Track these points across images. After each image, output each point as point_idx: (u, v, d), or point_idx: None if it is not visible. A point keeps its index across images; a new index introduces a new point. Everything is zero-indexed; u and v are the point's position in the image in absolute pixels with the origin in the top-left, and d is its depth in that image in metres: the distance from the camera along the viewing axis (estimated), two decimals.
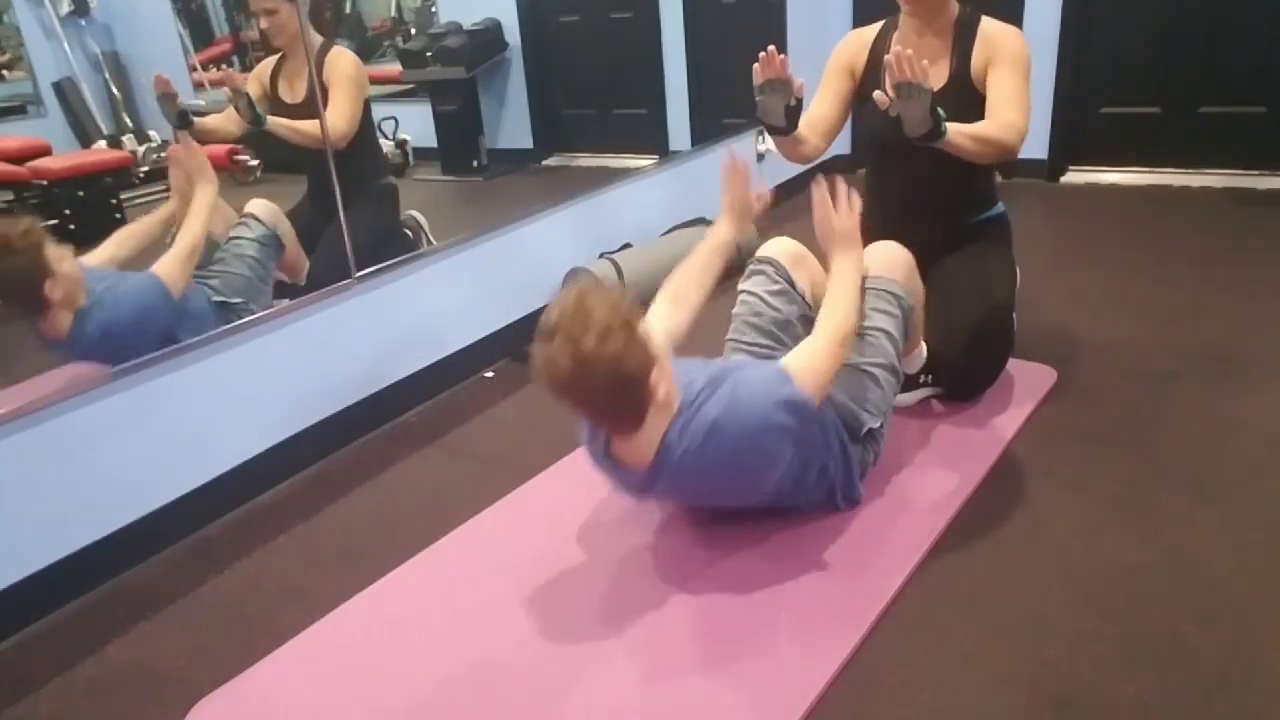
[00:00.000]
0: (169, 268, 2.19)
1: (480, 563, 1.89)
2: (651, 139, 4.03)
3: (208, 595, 1.90)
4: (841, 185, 1.92)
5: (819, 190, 1.91)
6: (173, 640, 1.77)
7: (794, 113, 2.00)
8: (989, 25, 2.18)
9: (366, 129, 2.83)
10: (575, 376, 1.46)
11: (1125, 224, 3.73)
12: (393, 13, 4.31)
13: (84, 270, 2.08)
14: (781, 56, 1.92)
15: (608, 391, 1.50)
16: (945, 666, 1.49)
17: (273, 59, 2.78)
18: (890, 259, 2.03)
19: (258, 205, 2.55)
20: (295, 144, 2.63)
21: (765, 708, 1.43)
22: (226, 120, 2.65)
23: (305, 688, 1.58)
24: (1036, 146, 4.34)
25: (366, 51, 4.19)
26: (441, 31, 4.05)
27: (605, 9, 4.08)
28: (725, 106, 4.17)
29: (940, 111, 1.88)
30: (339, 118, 2.65)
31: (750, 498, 1.82)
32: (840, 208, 1.93)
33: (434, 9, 4.21)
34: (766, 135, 2.10)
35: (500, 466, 2.27)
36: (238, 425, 2.23)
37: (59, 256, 1.99)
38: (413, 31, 4.24)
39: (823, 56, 2.39)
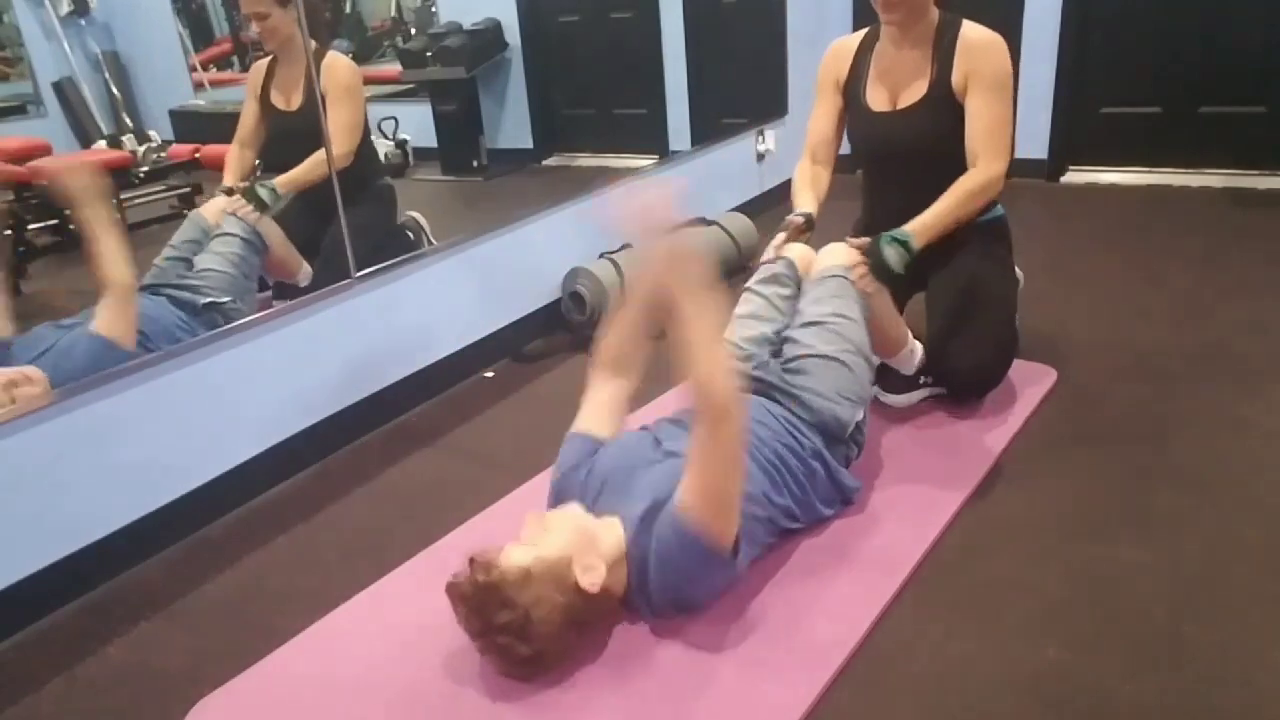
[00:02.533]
0: (108, 321, 2.04)
1: None
2: (651, 139, 4.03)
3: (208, 595, 1.90)
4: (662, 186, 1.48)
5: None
6: (173, 640, 1.77)
7: (811, 223, 2.18)
8: (969, 33, 2.13)
9: (363, 131, 2.82)
10: (504, 656, 1.47)
11: (1125, 224, 3.73)
12: (393, 13, 4.31)
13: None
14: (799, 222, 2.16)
15: (526, 665, 1.48)
16: (945, 666, 1.49)
17: (264, 63, 2.75)
18: (836, 250, 2.05)
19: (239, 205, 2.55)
20: (314, 180, 2.61)
21: (766, 707, 1.43)
22: (244, 125, 2.69)
23: (305, 688, 1.58)
24: (1036, 146, 4.34)
25: (367, 51, 4.19)
26: (441, 31, 4.05)
27: (605, 9, 4.08)
28: (725, 106, 4.17)
29: (898, 252, 1.99)
30: (345, 132, 2.63)
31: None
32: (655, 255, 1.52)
33: (434, 9, 4.21)
34: (767, 135, 2.11)
35: (500, 466, 2.27)
36: (238, 425, 2.23)
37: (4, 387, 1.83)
38: (413, 31, 4.24)
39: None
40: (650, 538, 1.52)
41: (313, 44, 2.67)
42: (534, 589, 1.41)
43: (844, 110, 2.35)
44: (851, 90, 2.29)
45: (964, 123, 2.11)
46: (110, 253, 2.04)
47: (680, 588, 1.55)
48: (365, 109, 2.78)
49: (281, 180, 2.62)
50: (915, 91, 2.16)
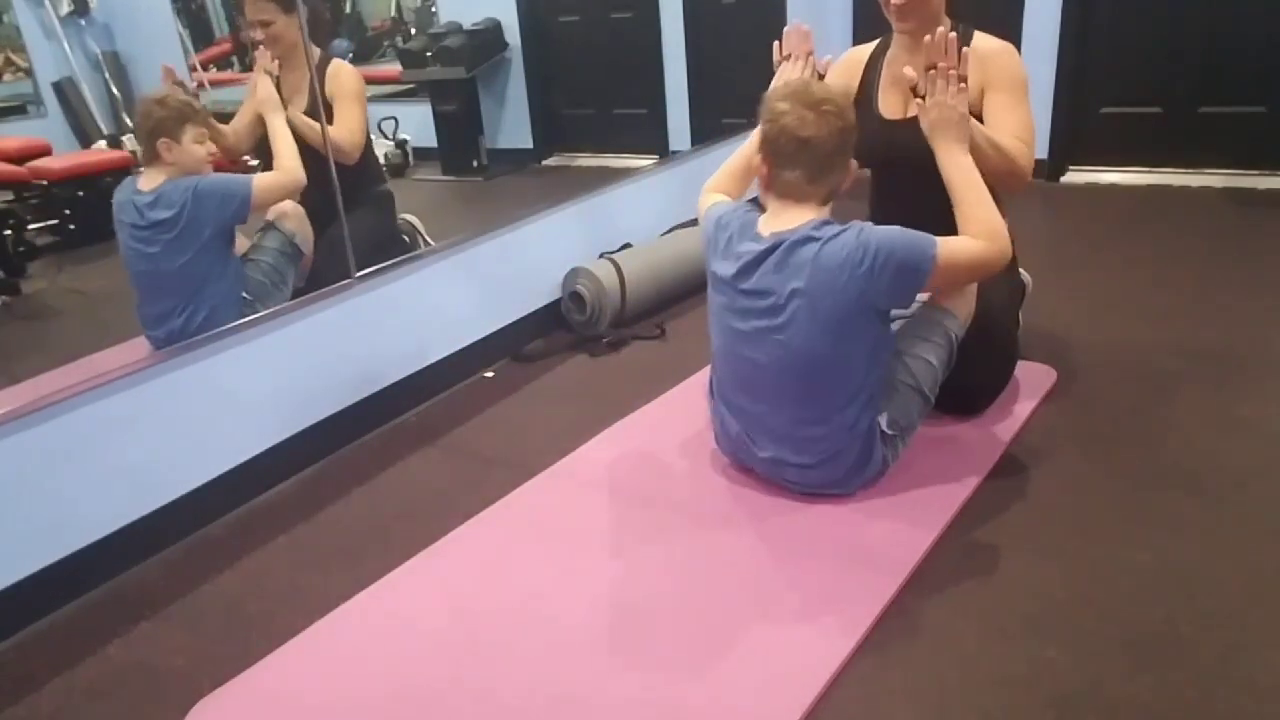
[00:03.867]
0: (264, 182, 2.38)
1: (480, 563, 1.89)
2: (651, 139, 4.03)
3: (208, 595, 1.90)
4: (943, 64, 1.85)
5: (930, 69, 1.90)
6: (173, 640, 1.77)
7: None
8: (982, 43, 2.12)
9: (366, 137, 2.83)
10: (836, 128, 1.75)
11: (1125, 224, 3.73)
12: (393, 13, 4.31)
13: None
14: (806, 29, 1.95)
15: (830, 150, 1.76)
16: (945, 666, 1.49)
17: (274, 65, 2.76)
18: (963, 301, 2.01)
19: (283, 211, 2.55)
20: (307, 142, 2.62)
21: (766, 707, 1.43)
22: (241, 118, 2.65)
23: (305, 688, 1.58)
24: (1037, 146, 4.31)
25: (367, 51, 4.19)
26: (441, 31, 4.05)
27: (605, 9, 4.08)
28: (725, 106, 4.17)
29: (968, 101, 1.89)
30: (351, 133, 2.67)
31: (814, 345, 1.79)
32: (944, 88, 1.87)
33: (434, 9, 4.21)
34: None
35: (500, 466, 2.27)
36: (238, 425, 2.23)
37: (196, 137, 2.27)
38: (413, 31, 4.24)
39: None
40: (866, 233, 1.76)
41: (315, 51, 2.68)
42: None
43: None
44: (864, 99, 2.27)
45: None
46: (279, 149, 2.47)
47: (878, 243, 1.74)
48: (367, 115, 2.79)
49: (293, 111, 2.62)
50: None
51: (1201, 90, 4.09)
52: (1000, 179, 2.03)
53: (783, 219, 1.82)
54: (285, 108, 2.66)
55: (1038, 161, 4.29)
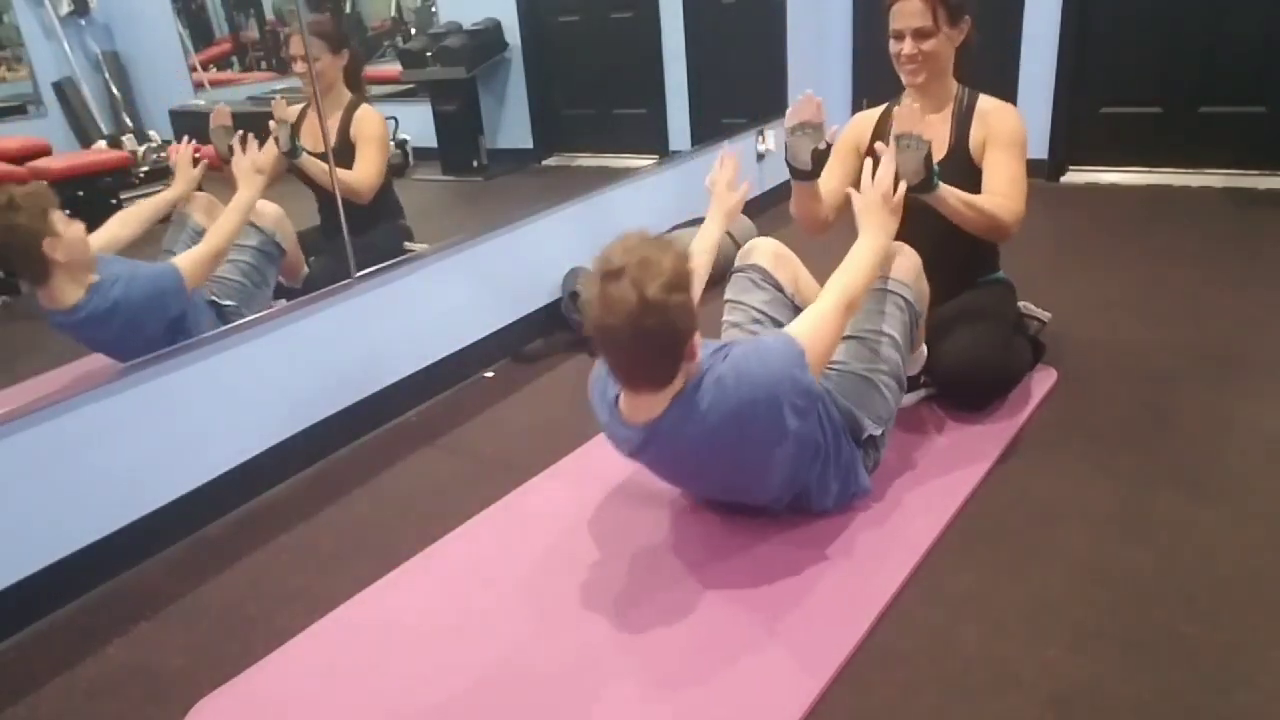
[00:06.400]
0: (191, 262, 2.19)
1: (480, 563, 1.89)
2: (651, 139, 4.03)
3: (208, 595, 1.90)
4: (885, 153, 1.92)
5: (868, 162, 1.96)
6: (173, 640, 1.77)
7: (821, 157, 2.07)
8: (986, 104, 2.23)
9: (386, 177, 2.89)
10: (635, 320, 1.44)
11: (1125, 224, 3.73)
12: (393, 13, 4.31)
13: (93, 248, 2.07)
14: (818, 100, 1.99)
15: (657, 341, 1.49)
16: (945, 666, 1.49)
17: (295, 109, 2.78)
18: (900, 261, 2.02)
19: (260, 210, 2.55)
20: (320, 184, 2.67)
21: (766, 707, 1.43)
22: (265, 155, 2.67)
23: (305, 688, 1.58)
24: (1036, 146, 4.30)
25: (367, 51, 4.19)
26: (441, 31, 4.05)
27: (605, 9, 4.08)
28: (725, 106, 4.17)
29: (935, 166, 1.98)
30: (368, 175, 2.74)
31: (741, 479, 1.78)
32: (875, 178, 1.91)
33: (434, 9, 4.21)
34: (767, 135, 2.11)
35: (500, 466, 2.27)
36: (238, 425, 2.23)
37: (65, 221, 1.98)
38: (413, 31, 4.24)
39: (822, 55, 2.40)
40: (727, 354, 1.63)
41: (348, 93, 2.80)
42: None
43: (858, 173, 2.34)
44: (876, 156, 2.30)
45: (979, 186, 2.15)
46: (227, 215, 2.32)
47: (755, 389, 1.59)
48: (388, 157, 2.88)
49: (308, 156, 2.68)
50: (936, 152, 2.13)
51: (1201, 90, 4.10)
52: (983, 231, 2.13)
53: (641, 404, 1.62)
54: (310, 145, 2.69)
55: (1038, 161, 4.34)
